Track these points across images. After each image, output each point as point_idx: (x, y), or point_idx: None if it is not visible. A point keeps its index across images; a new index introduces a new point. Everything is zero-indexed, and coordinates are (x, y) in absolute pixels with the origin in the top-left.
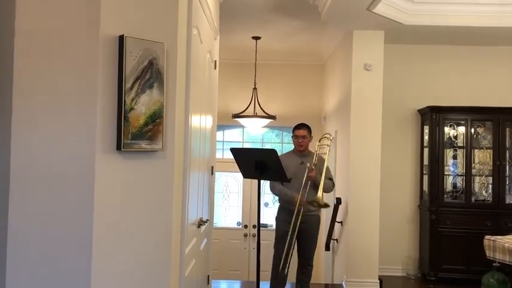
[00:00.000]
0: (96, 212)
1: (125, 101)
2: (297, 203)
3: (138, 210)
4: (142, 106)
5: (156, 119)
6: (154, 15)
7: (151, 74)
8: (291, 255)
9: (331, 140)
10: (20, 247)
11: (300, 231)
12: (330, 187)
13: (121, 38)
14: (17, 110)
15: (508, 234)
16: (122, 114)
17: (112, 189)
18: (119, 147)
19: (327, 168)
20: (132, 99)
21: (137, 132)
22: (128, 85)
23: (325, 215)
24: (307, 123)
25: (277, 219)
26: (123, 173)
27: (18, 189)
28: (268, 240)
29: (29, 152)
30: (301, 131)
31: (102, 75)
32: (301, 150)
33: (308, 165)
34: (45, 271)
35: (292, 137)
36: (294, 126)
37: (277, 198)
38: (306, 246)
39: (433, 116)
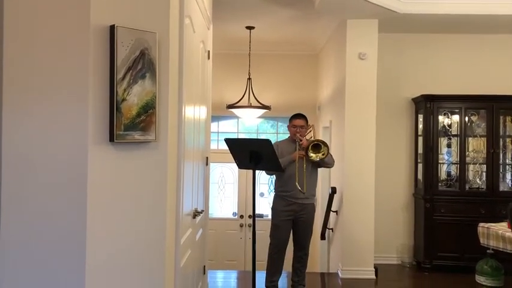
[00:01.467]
0: (90, 203)
1: (116, 91)
2: (297, 157)
3: (131, 202)
4: (135, 97)
5: (148, 109)
6: (146, 4)
7: (143, 64)
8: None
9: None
10: (13, 241)
11: (297, 220)
12: (330, 158)
13: (112, 28)
14: (8, 103)
15: (501, 222)
16: (114, 105)
17: (105, 181)
18: (111, 139)
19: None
20: (124, 90)
21: (130, 123)
22: (120, 75)
23: (320, 204)
24: (303, 113)
25: (273, 208)
26: (116, 165)
27: (10, 182)
28: (264, 230)
29: (20, 145)
30: (300, 120)
31: (93, 65)
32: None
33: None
34: (38, 265)
35: (288, 126)
36: (290, 116)
37: (272, 187)
38: (302, 234)
39: (427, 105)
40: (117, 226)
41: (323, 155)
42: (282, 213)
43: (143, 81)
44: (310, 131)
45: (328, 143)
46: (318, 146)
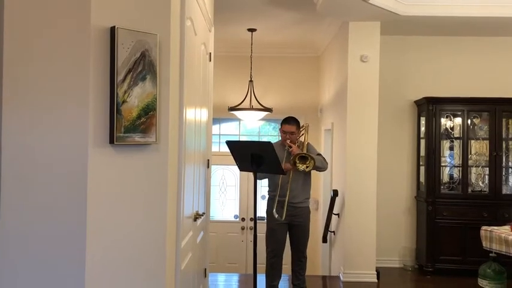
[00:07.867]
0: (90, 206)
1: (117, 93)
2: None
3: (132, 204)
4: (135, 99)
5: (149, 111)
6: (147, 6)
7: (144, 66)
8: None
9: (304, 128)
10: (12, 242)
11: (292, 224)
12: (321, 161)
13: (112, 30)
14: (8, 105)
15: (504, 225)
16: (114, 107)
17: (105, 183)
18: (111, 141)
19: (308, 144)
20: (125, 92)
21: (130, 125)
22: (120, 77)
23: (322, 207)
24: (295, 117)
25: (267, 212)
26: (116, 167)
27: (10, 183)
28: (265, 233)
29: (20, 147)
30: (290, 126)
31: (94, 67)
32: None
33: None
34: (38, 266)
35: (279, 129)
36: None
37: (266, 190)
38: (299, 238)
39: (430, 107)
40: (117, 228)
41: (307, 167)
42: (277, 216)
43: (144, 83)
44: (303, 134)
45: (329, 146)
46: (305, 157)
